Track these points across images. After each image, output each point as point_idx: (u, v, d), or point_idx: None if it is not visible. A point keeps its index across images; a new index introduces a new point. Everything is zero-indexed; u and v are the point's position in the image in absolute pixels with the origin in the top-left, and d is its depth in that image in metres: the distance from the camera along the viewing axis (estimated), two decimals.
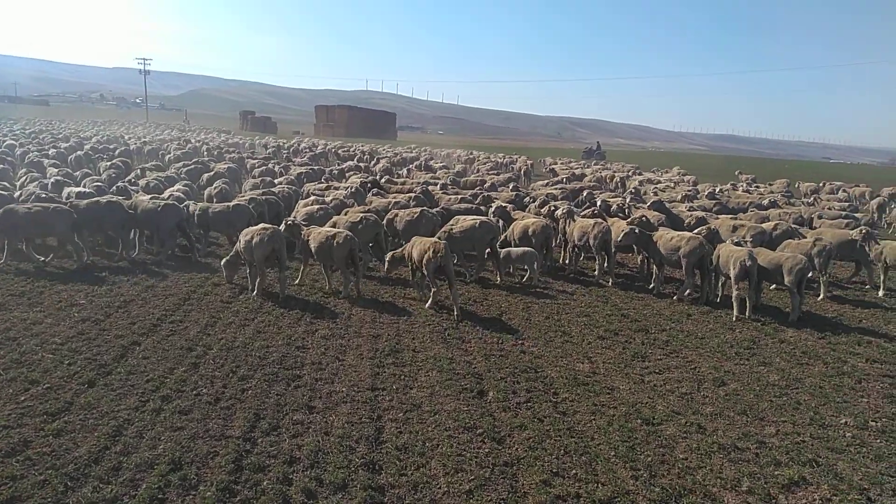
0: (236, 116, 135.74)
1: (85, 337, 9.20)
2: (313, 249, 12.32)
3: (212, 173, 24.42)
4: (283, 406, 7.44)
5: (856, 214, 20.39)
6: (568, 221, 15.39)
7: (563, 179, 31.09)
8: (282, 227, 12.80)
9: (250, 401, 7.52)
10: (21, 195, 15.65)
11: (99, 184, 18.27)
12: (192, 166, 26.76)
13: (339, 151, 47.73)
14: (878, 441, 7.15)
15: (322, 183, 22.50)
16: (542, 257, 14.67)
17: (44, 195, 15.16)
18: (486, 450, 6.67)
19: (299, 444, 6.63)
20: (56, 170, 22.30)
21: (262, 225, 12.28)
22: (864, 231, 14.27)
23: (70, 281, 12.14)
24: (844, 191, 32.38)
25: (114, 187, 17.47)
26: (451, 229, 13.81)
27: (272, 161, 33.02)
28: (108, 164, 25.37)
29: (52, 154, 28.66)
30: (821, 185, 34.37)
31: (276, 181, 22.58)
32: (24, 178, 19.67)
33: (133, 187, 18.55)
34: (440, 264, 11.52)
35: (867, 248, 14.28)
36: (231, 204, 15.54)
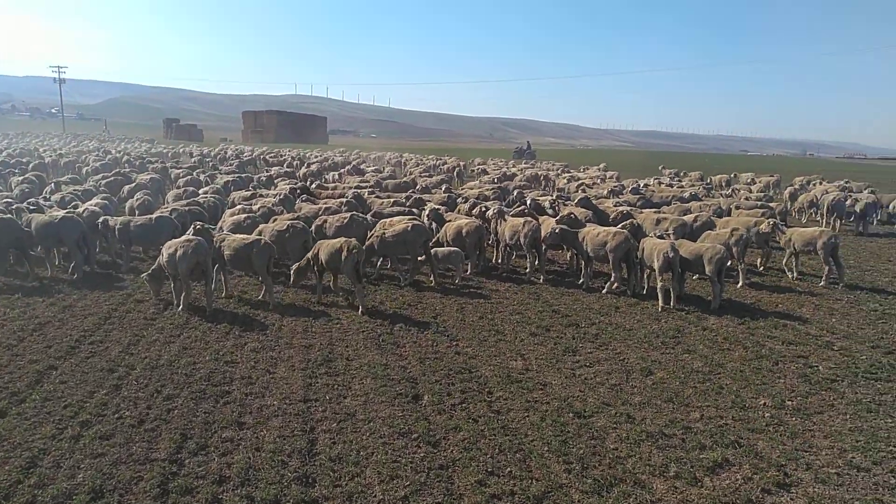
0: (160, 125, 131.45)
1: None
2: (227, 258, 12.05)
3: (133, 185, 23.52)
4: (212, 424, 7.23)
5: (770, 204, 21.37)
6: (499, 221, 15.55)
7: (494, 178, 31.42)
8: (189, 232, 12.55)
9: (176, 421, 7.28)
10: None
11: (9, 200, 17.32)
12: (112, 178, 25.70)
13: (268, 157, 46.87)
14: (794, 419, 7.50)
15: (249, 191, 21.99)
16: (475, 257, 14.79)
17: None
18: (422, 454, 6.65)
19: (229, 462, 6.45)
20: None
21: (185, 237, 11.92)
22: (771, 223, 14.96)
23: None
24: (754, 180, 33.96)
25: (24, 203, 16.58)
26: (384, 233, 13.75)
27: (198, 170, 32.09)
28: (21, 178, 24.06)
29: None
30: (732, 176, 36.03)
31: (201, 191, 21.93)
32: None
33: (46, 202, 17.66)
34: (357, 260, 11.64)
35: (776, 238, 14.96)
36: (154, 216, 15.01)
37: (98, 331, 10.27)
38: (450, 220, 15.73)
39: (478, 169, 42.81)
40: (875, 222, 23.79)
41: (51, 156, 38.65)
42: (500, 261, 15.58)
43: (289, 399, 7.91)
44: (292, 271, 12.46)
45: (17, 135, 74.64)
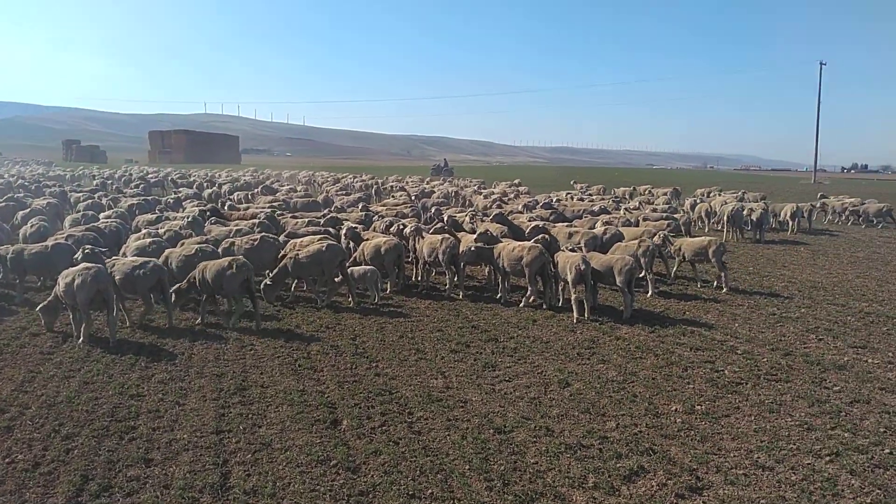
0: (59, 146, 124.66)
1: None
2: (117, 281, 11.56)
3: (28, 210, 22.09)
4: (116, 463, 6.80)
5: (675, 216, 22.37)
6: (417, 238, 15.54)
7: (412, 195, 31.48)
8: (77, 256, 12.17)
9: (76, 461, 6.80)
10: None
11: None
12: (4, 204, 24.09)
13: (176, 179, 45.24)
14: (704, 423, 7.80)
15: (155, 214, 21.09)
16: (394, 276, 14.71)
17: None
18: (341, 481, 6.48)
19: (135, 502, 6.08)
20: None
21: (83, 264, 11.26)
22: (661, 236, 15.70)
23: None
24: (651, 192, 35.61)
25: None
26: (297, 254, 13.46)
27: (99, 193, 30.55)
28: None
29: None
30: (632, 189, 37.69)
31: (102, 215, 20.86)
32: None
33: None
34: (246, 278, 11.72)
35: (668, 249, 15.71)
36: (49, 243, 14.13)
37: None
38: (367, 239, 15.60)
39: (395, 186, 42.79)
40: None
41: None
42: (419, 278, 15.56)
43: (200, 431, 7.55)
44: (172, 292, 12.03)
45: None
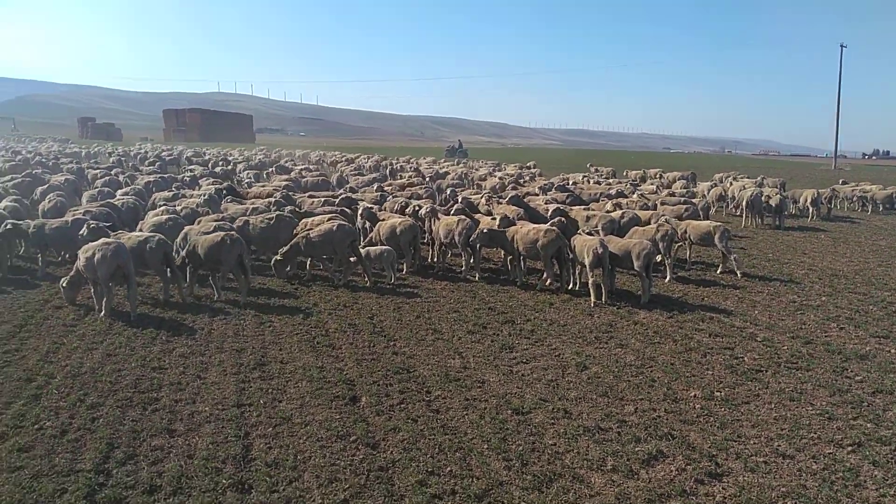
0: (74, 124, 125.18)
1: None
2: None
3: (46, 186, 22.27)
4: (140, 432, 6.92)
5: (693, 200, 22.19)
6: (433, 220, 15.54)
7: (426, 177, 31.40)
8: (83, 232, 12.52)
9: (102, 430, 6.93)
10: None
11: None
12: (22, 180, 24.31)
13: (191, 157, 45.37)
14: (723, 410, 7.78)
15: (171, 191, 21.19)
16: (410, 256, 14.73)
17: None
18: (361, 456, 6.55)
19: (160, 470, 6.19)
20: None
21: (102, 240, 11.36)
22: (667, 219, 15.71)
23: None
24: (661, 176, 35.28)
25: None
26: (308, 233, 13.51)
27: (116, 170, 30.73)
28: None
29: None
30: (642, 172, 37.41)
31: (119, 192, 21.00)
32: None
33: None
34: (240, 253, 12.08)
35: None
36: (69, 219, 14.27)
37: (13, 339, 9.67)
38: (383, 220, 15.61)
39: (407, 167, 42.68)
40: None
41: None
42: (435, 259, 15.58)
43: (221, 405, 7.65)
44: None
45: None
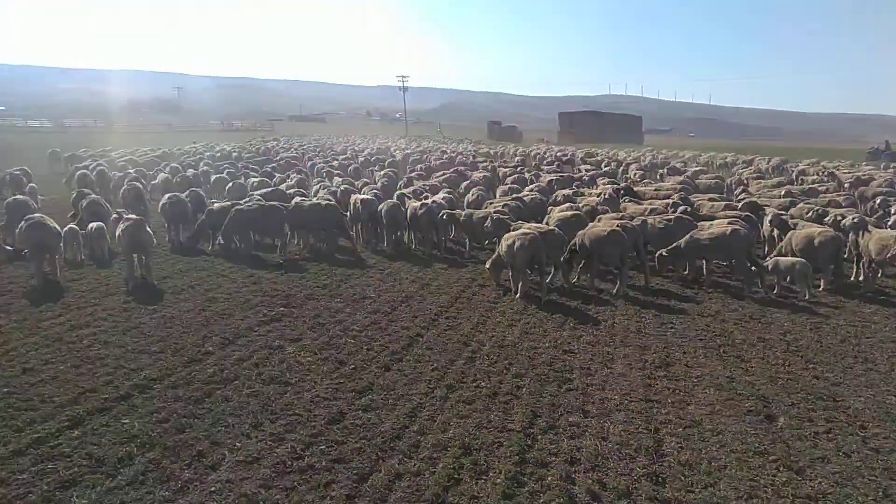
0: (484, 126, 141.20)
1: (377, 326, 10.27)
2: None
3: (468, 181, 25.74)
4: (558, 407, 7.56)
5: None
6: (861, 233, 13.56)
7: (845, 184, 27.50)
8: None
9: (525, 398, 7.76)
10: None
11: (376, 191, 20.25)
12: (450, 175, 28.46)
13: (585, 157, 47.43)
14: None
15: (572, 189, 22.50)
16: (829, 272, 13.13)
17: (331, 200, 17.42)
18: (783, 479, 6.11)
19: (577, 445, 6.68)
20: (340, 179, 25.14)
21: (522, 230, 12.63)
22: None
23: (362, 276, 13.62)
24: None
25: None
26: (697, 234, 13.06)
27: (521, 168, 33.87)
28: (381, 173, 28.05)
29: (335, 165, 32.42)
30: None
31: (526, 188, 23.09)
32: (317, 186, 22.51)
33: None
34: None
35: None
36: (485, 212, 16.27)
37: (451, 308, 11.45)
38: (797, 228, 14.16)
39: (810, 171, 37.78)
40: None
41: (400, 154, 44.26)
42: (860, 278, 13.58)
43: (629, 396, 7.90)
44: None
45: (373, 136, 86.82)
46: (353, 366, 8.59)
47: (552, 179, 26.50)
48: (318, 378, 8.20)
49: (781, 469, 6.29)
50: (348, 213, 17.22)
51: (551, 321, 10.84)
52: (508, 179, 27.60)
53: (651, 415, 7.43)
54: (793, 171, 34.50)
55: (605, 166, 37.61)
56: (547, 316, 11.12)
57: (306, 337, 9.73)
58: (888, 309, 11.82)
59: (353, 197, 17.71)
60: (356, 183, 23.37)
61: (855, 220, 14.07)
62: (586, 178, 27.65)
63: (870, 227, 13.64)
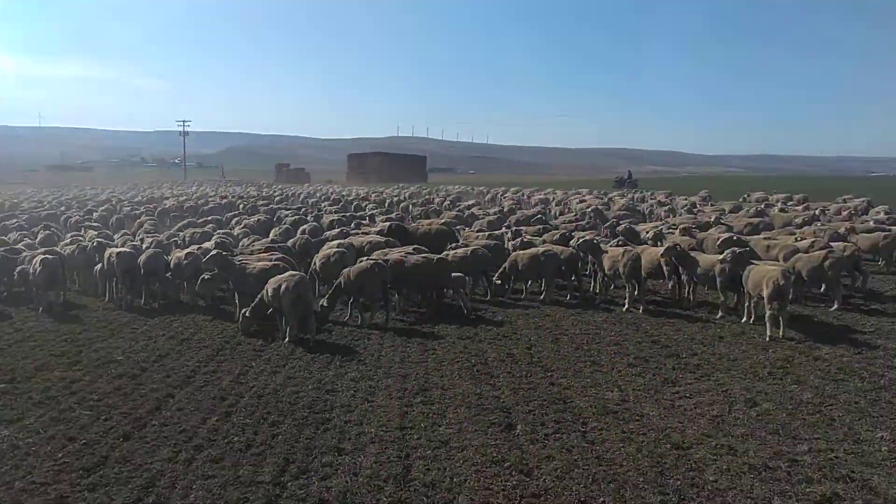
0: (271, 169, 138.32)
1: (121, 392, 9.51)
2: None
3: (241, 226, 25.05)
4: (313, 450, 7.55)
5: (892, 228, 19.87)
6: (594, 251, 15.36)
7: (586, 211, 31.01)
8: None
9: (280, 446, 7.65)
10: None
11: (134, 244, 18.91)
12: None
13: (370, 196, 48.42)
14: None
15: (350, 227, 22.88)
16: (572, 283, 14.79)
17: None
18: (514, 482, 6.68)
19: (328, 486, 6.72)
20: (95, 232, 23.04)
21: (288, 272, 12.57)
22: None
23: (110, 338, 12.53)
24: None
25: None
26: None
27: (303, 210, 33.76)
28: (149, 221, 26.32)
29: (95, 217, 29.72)
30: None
31: (299, 230, 22.99)
32: (68, 240, 20.43)
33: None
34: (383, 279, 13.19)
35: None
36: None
37: (211, 361, 10.97)
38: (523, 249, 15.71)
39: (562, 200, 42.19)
40: None
41: (172, 201, 41.80)
42: (597, 291, 15.39)
43: (385, 426, 8.14)
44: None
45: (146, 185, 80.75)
46: (84, 441, 7.84)
47: (334, 220, 26.69)
48: (37, 461, 7.37)
49: (514, 473, 6.87)
50: (98, 268, 16.08)
51: (317, 362, 10.83)
52: (287, 220, 27.34)
53: (404, 442, 7.71)
54: (552, 202, 38.25)
55: (390, 205, 38.75)
56: (314, 357, 11.10)
57: (29, 415, 8.71)
58: (615, 315, 13.51)
59: (109, 251, 16.32)
60: (115, 236, 21.69)
61: (588, 238, 15.96)
62: (366, 218, 28.23)
63: (602, 247, 15.52)
